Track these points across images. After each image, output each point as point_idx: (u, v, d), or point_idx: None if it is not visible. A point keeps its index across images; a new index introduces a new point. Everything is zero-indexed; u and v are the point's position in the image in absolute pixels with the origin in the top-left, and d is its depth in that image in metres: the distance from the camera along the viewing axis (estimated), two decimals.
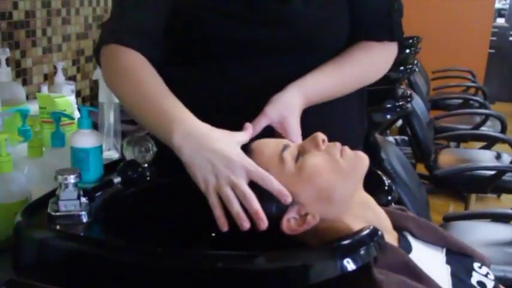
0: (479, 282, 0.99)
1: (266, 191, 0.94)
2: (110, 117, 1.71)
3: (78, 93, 2.10)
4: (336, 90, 1.24)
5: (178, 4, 1.20)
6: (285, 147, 0.99)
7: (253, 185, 0.94)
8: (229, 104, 1.20)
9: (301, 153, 0.98)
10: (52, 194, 1.07)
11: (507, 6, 8.24)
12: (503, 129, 3.71)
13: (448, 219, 2.26)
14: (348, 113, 1.33)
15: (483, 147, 3.74)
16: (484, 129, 3.95)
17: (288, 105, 1.13)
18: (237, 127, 1.06)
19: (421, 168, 3.45)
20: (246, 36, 1.19)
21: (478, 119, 4.09)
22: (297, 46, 1.22)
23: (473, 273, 1.01)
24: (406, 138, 3.85)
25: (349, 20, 1.27)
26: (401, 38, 1.33)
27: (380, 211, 1.00)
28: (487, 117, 3.95)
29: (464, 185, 3.07)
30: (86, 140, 1.21)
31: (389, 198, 1.12)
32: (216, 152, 0.96)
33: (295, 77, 1.19)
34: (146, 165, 1.21)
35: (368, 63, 1.29)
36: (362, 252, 0.87)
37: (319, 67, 1.22)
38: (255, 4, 1.18)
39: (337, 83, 1.24)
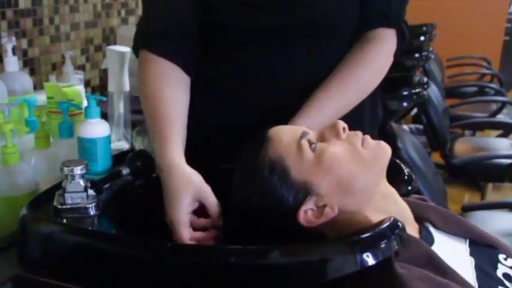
0: (505, 275, 0.95)
1: (284, 180, 0.91)
2: (119, 107, 1.67)
3: (87, 83, 2.07)
4: (341, 112, 1.21)
5: None
6: (304, 134, 0.95)
7: (272, 172, 0.92)
8: (247, 92, 1.22)
9: (320, 141, 0.94)
10: (59, 186, 1.04)
11: None
12: None
13: (467, 209, 2.21)
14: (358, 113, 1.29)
15: (499, 136, 3.68)
16: (501, 117, 3.90)
17: None
18: (254, 115, 1.15)
19: (436, 157, 3.41)
20: (259, 21, 1.18)
21: (494, 106, 4.03)
22: (309, 31, 1.21)
23: (499, 265, 0.97)
24: (421, 126, 3.80)
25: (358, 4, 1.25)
26: (399, 24, 1.29)
27: (402, 203, 0.96)
28: (504, 104, 3.89)
29: (481, 174, 3.03)
30: (93, 129, 1.17)
31: (410, 188, 1.08)
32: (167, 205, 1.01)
33: (309, 64, 1.21)
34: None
35: (362, 79, 1.25)
36: (383, 245, 0.83)
37: (311, 96, 1.19)
38: None
39: (342, 106, 1.21)
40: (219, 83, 1.26)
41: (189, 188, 0.99)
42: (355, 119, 1.25)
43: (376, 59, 1.27)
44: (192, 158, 1.07)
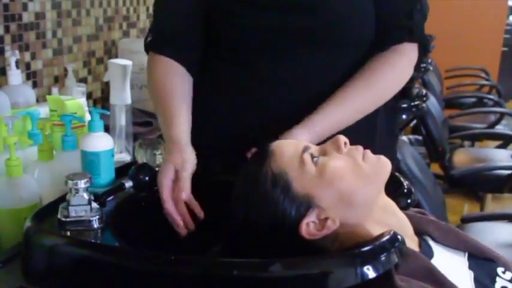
0: None
1: (286, 193, 0.92)
2: (121, 120, 1.69)
3: (89, 95, 2.08)
4: (350, 118, 1.22)
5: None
6: (306, 148, 0.96)
7: (275, 185, 0.93)
8: (255, 98, 1.25)
9: (322, 155, 0.96)
10: (63, 199, 1.05)
11: None
12: None
13: (466, 220, 2.22)
14: (371, 121, 1.31)
15: (498, 146, 3.70)
16: (499, 128, 3.91)
17: None
18: (262, 121, 1.21)
19: (435, 168, 3.41)
20: (269, 24, 1.21)
21: (492, 117, 4.05)
22: (321, 37, 1.22)
23: (497, 278, 0.98)
24: (420, 137, 3.81)
25: (372, 18, 1.25)
26: (422, 40, 1.29)
27: (402, 216, 0.98)
28: (502, 115, 3.91)
29: (480, 185, 3.03)
30: (96, 143, 1.18)
31: (409, 201, 1.09)
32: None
33: (319, 73, 1.23)
34: (158, 168, 1.19)
35: (384, 82, 1.26)
36: (383, 258, 0.84)
37: (330, 97, 1.21)
38: None
39: (350, 112, 1.22)
40: (227, 85, 1.29)
41: (174, 159, 1.10)
42: (369, 128, 1.29)
43: (395, 68, 1.27)
44: (202, 163, 1.14)
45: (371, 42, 1.26)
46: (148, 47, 1.33)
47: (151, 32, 1.33)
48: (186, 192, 1.08)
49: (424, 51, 1.30)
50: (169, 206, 1.07)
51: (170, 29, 1.30)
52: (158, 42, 1.31)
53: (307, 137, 1.13)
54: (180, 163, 1.10)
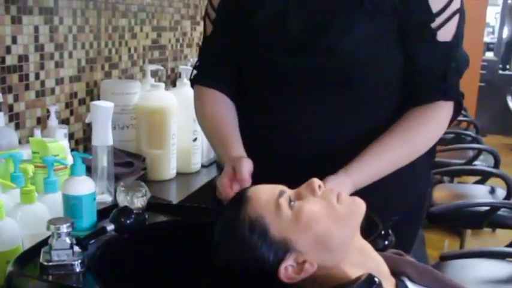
0: None
1: (264, 238, 0.94)
2: (103, 161, 1.70)
3: (71, 136, 2.09)
4: (385, 171, 1.25)
5: None
6: (281, 193, 0.98)
7: (252, 231, 0.95)
8: (267, 136, 1.33)
9: (297, 199, 0.98)
10: (45, 242, 1.06)
11: (495, 40, 8.36)
12: (497, 164, 3.71)
13: (445, 258, 2.24)
14: (414, 171, 1.34)
15: (477, 182, 3.74)
16: (478, 163, 3.96)
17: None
18: (271, 157, 1.30)
19: None
20: (287, 63, 1.28)
21: (471, 153, 4.10)
22: (337, 78, 1.26)
23: None
24: None
25: (397, 64, 1.28)
26: (457, 98, 1.30)
27: (378, 257, 0.99)
28: (480, 151, 3.96)
29: (459, 221, 3.05)
30: (78, 187, 1.20)
31: (386, 243, 1.11)
32: None
33: (331, 113, 1.28)
34: (140, 210, 1.20)
35: (420, 137, 1.28)
36: None
37: (367, 148, 1.24)
38: (289, 33, 1.26)
39: (386, 165, 1.25)
40: (248, 120, 1.38)
41: (230, 162, 1.20)
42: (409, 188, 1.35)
43: (431, 123, 1.29)
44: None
45: (399, 94, 1.29)
46: (195, 81, 1.46)
47: (197, 68, 1.48)
48: (247, 181, 1.15)
49: (458, 107, 1.31)
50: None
51: (213, 64, 1.43)
52: (204, 76, 1.45)
53: (348, 186, 1.17)
54: (238, 161, 1.19)
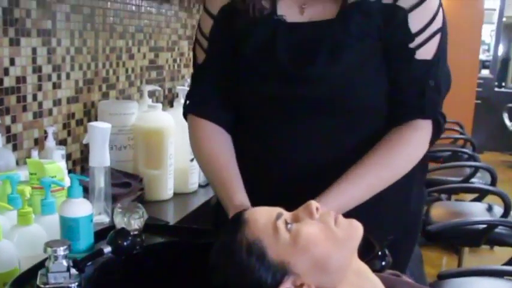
0: None
1: (262, 261, 0.94)
2: (100, 182, 1.70)
3: (68, 156, 2.09)
4: (364, 195, 1.25)
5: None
6: (279, 215, 0.98)
7: (250, 253, 0.95)
8: (260, 160, 1.34)
9: (294, 221, 0.98)
10: (42, 264, 1.06)
11: (491, 57, 8.42)
12: (493, 181, 3.72)
13: (443, 277, 2.24)
14: (407, 188, 1.36)
15: (474, 199, 3.74)
16: (475, 181, 3.96)
17: None
18: (265, 179, 1.31)
19: None
20: (269, 92, 1.29)
21: (468, 170, 4.10)
22: (327, 105, 1.26)
23: None
24: None
25: (385, 85, 1.28)
26: (436, 116, 1.29)
27: (375, 279, 1.00)
28: (477, 169, 3.96)
29: (457, 239, 3.05)
30: (76, 209, 1.21)
31: (383, 264, 1.11)
32: None
33: (322, 137, 1.28)
34: (137, 232, 1.20)
35: (398, 159, 1.28)
36: None
37: (344, 174, 1.24)
38: (279, 62, 1.26)
39: (364, 189, 1.25)
40: (241, 144, 1.38)
41: (234, 210, 1.18)
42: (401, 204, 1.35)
43: (409, 144, 1.28)
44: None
45: (386, 114, 1.29)
46: (188, 110, 1.44)
47: (189, 97, 1.45)
48: None
49: (438, 127, 1.30)
50: None
51: (207, 92, 1.41)
52: (197, 105, 1.42)
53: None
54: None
